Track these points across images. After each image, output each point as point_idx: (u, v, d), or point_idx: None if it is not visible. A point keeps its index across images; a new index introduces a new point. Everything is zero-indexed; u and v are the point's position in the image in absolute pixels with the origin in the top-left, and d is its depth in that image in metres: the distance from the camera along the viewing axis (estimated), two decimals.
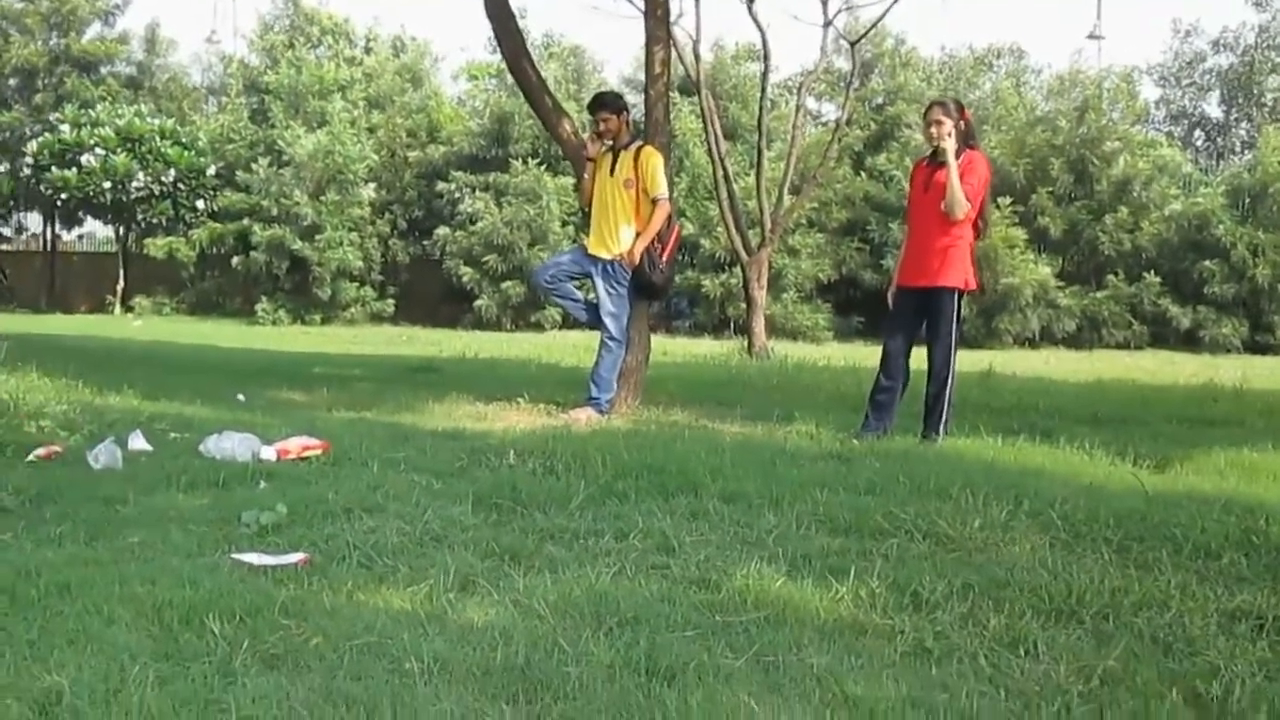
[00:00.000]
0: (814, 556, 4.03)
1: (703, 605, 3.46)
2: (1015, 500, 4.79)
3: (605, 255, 8.16)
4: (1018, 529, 4.44)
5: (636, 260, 8.06)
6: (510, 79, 17.30)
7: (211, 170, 30.87)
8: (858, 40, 19.90)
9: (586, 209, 8.63)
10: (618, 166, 8.17)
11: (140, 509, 4.62)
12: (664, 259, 8.21)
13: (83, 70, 34.56)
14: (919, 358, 7.28)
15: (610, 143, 8.25)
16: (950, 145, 6.99)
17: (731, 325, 25.11)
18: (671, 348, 17.94)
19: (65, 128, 30.54)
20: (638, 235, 8.08)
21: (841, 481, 5.22)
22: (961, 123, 7.13)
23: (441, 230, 27.90)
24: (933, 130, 7.11)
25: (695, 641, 3.15)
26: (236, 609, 3.21)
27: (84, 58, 34.57)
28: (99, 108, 31.37)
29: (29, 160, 30.88)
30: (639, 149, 8.17)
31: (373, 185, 29.32)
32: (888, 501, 4.79)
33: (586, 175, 8.46)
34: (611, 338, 8.18)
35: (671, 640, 3.12)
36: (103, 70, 35.33)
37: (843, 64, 26.28)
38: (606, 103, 8.37)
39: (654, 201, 8.09)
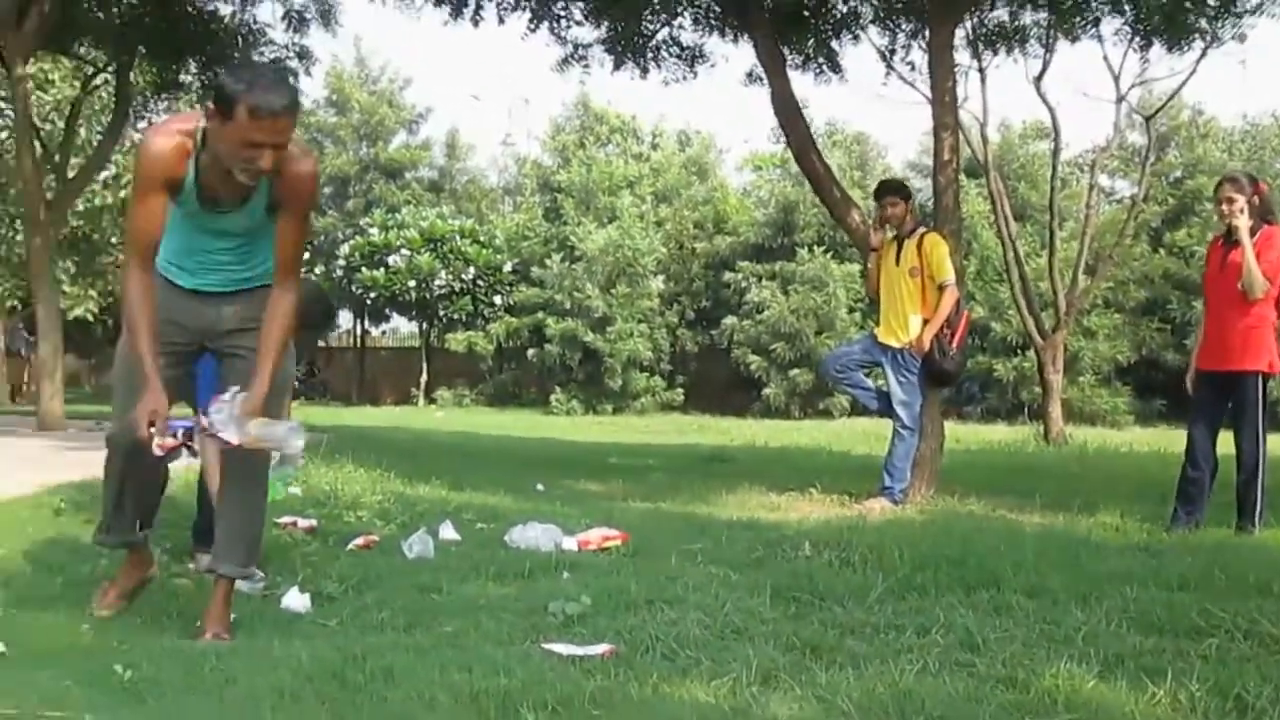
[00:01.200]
0: (1127, 656, 3.87)
1: (1011, 706, 3.37)
2: None
3: (895, 344, 8.13)
4: None
5: (926, 348, 8.01)
6: (795, 168, 17.47)
7: (508, 267, 32.18)
8: (1153, 114, 19.29)
9: (874, 298, 8.64)
10: (902, 255, 8.16)
11: (453, 597, 4.80)
12: (954, 345, 8.12)
13: (389, 177, 36.76)
14: (1227, 442, 6.95)
15: (894, 231, 8.27)
16: (1244, 223, 6.70)
17: (1025, 410, 24.45)
18: (963, 434, 17.57)
19: (374, 231, 32.43)
20: (925, 323, 8.03)
21: (1152, 577, 5.00)
22: (1255, 197, 6.83)
23: (729, 320, 28.25)
24: (1224, 208, 6.83)
25: None
26: (548, 699, 3.29)
27: (391, 165, 36.79)
28: (404, 211, 33.21)
29: (341, 262, 32.88)
30: (922, 236, 8.15)
31: (661, 277, 29.95)
32: (1203, 598, 4.56)
33: (871, 265, 8.48)
34: (905, 426, 8.12)
35: None
36: (407, 176, 37.50)
37: (1137, 138, 25.51)
38: (895, 189, 8.43)
39: (940, 288, 8.03)
